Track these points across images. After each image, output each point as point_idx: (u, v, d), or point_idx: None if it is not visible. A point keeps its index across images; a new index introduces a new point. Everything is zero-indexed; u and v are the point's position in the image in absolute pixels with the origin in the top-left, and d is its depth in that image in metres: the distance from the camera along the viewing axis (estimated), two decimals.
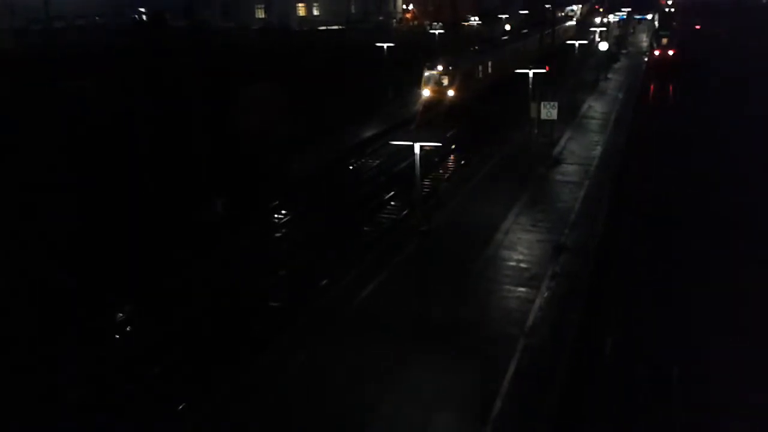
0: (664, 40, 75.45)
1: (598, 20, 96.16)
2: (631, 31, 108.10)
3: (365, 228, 27.78)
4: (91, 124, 36.80)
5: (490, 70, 52.25)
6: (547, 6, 67.55)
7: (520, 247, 23.68)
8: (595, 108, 49.09)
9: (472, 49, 56.45)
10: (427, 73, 45.57)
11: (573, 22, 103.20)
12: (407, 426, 14.33)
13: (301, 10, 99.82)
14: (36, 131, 35.99)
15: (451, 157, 37.97)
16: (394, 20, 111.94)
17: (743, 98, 55.87)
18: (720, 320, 19.72)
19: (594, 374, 17.56)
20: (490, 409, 14.79)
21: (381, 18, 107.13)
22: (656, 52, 74.95)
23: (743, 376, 16.97)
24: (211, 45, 67.17)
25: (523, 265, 22.21)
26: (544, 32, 62.36)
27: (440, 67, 45.07)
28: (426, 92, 44.77)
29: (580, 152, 36.38)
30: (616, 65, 71.56)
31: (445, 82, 44.52)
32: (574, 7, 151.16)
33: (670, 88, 64.42)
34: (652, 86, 64.56)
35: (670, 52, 73.46)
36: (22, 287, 20.75)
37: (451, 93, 43.99)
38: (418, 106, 44.67)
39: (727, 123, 46.57)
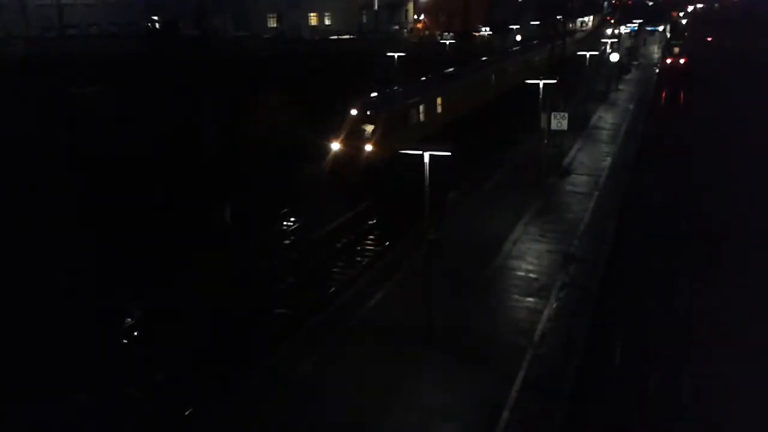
0: (676, 50, 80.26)
1: (609, 31, 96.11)
2: (642, 42, 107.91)
3: (373, 236, 27.75)
4: (100, 129, 37.08)
5: (439, 109, 36.58)
6: (558, 17, 67.24)
7: (529, 257, 23.61)
8: (606, 119, 48.98)
9: (425, 78, 40.55)
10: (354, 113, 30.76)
11: (576, 36, 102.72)
12: None
13: (313, 19, 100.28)
14: (46, 136, 36.33)
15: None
16: (405, 30, 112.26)
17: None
18: (729, 331, 19.55)
19: (604, 384, 17.44)
20: (497, 420, 14.71)
21: (396, 27, 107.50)
22: (668, 60, 79.40)
23: (752, 390, 16.81)
24: (221, 54, 67.64)
25: (532, 275, 22.13)
26: (555, 44, 62.13)
27: (354, 111, 30.50)
28: (335, 146, 29.80)
29: (590, 163, 36.29)
30: (627, 76, 71.50)
31: (368, 131, 30.17)
32: (586, 19, 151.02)
33: (681, 94, 65.79)
34: (663, 93, 65.98)
35: (681, 61, 77.78)
36: (31, 290, 20.83)
37: (369, 148, 29.37)
38: (325, 165, 29.89)
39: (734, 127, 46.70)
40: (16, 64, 60.24)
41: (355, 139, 29.71)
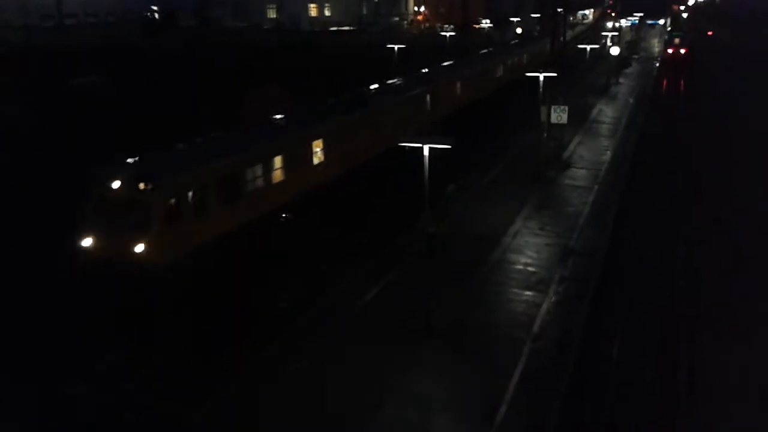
0: (677, 40, 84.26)
1: (610, 25, 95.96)
2: (642, 35, 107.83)
3: (372, 229, 27.58)
4: (99, 118, 36.88)
5: (317, 158, 24.08)
6: (558, 10, 66.87)
7: (528, 250, 23.51)
8: (606, 112, 48.83)
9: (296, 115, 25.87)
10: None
11: (576, 29, 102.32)
12: (409, 429, 14.22)
13: (312, 10, 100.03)
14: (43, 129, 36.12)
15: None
16: (405, 22, 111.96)
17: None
18: (726, 323, 19.51)
19: (601, 378, 17.38)
20: (495, 414, 14.64)
21: (396, 18, 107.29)
22: (669, 51, 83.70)
23: (747, 380, 16.76)
24: (218, 43, 67.45)
25: (530, 268, 22.03)
26: (552, 42, 61.73)
27: (117, 184, 17.34)
28: (89, 242, 17.39)
29: (589, 156, 36.16)
30: (628, 70, 71.36)
31: (141, 216, 17.27)
32: (587, 11, 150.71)
33: (681, 82, 68.22)
34: (665, 81, 68.29)
35: (682, 51, 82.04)
36: (24, 281, 20.71)
37: (141, 249, 16.97)
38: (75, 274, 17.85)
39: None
40: (13, 53, 59.92)
41: (121, 230, 17.38)
